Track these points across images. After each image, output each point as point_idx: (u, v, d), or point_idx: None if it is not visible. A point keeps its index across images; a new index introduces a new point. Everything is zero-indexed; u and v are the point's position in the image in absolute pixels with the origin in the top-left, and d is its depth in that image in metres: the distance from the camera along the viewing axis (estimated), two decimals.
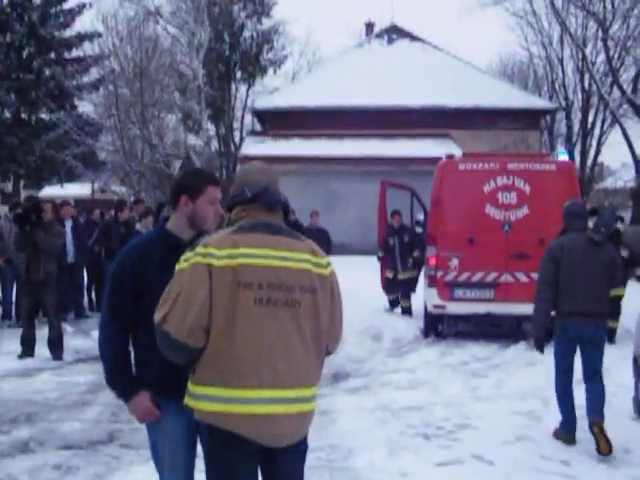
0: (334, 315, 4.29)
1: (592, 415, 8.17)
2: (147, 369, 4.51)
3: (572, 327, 8.31)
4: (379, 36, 44.51)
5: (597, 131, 46.81)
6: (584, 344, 8.36)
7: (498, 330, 15.44)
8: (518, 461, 7.70)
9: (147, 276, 4.43)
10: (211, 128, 42.60)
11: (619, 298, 12.97)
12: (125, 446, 8.15)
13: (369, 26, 49.46)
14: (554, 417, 9.39)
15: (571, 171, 14.33)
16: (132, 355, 4.59)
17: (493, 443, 8.29)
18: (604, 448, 7.84)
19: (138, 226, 16.56)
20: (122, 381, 4.55)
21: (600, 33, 39.37)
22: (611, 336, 13.41)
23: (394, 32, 44.20)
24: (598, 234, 8.37)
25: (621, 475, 7.40)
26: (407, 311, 16.73)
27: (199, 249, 4.02)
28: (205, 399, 3.99)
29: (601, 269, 8.35)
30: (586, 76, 45.33)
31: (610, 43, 38.95)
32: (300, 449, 4.22)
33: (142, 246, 4.63)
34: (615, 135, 52.59)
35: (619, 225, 14.29)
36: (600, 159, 49.65)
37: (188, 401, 4.07)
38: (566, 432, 8.47)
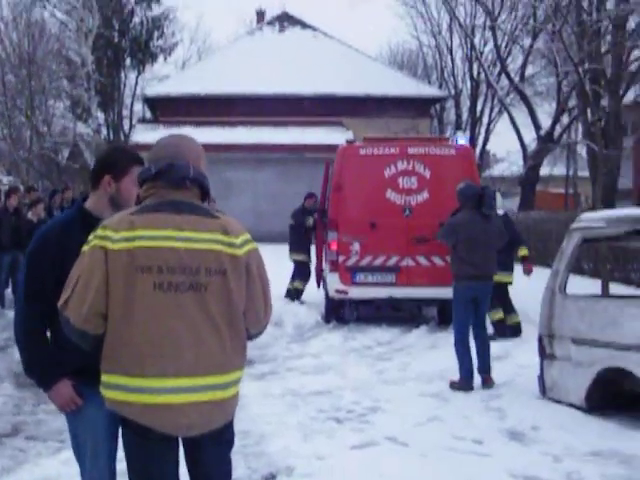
0: (253, 297, 4.05)
1: (485, 373, 10.13)
2: (66, 356, 4.24)
3: (472, 288, 10.11)
4: (270, 24, 44.39)
5: (485, 119, 47.57)
6: (478, 302, 10.20)
7: (399, 314, 15.53)
8: (432, 442, 7.70)
9: (66, 257, 4.16)
10: (100, 116, 41.73)
11: (505, 285, 13.17)
12: (31, 438, 7.85)
13: (260, 14, 49.31)
14: (461, 398, 9.53)
15: (470, 155, 14.49)
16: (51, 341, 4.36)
17: (405, 425, 8.29)
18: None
19: (29, 215, 16.11)
20: (41, 369, 4.30)
21: (488, 22, 40.05)
22: (509, 330, 13.45)
23: (285, 20, 44.13)
24: (488, 209, 10.21)
25: (534, 452, 7.47)
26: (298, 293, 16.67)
27: (98, 231, 3.81)
28: (111, 387, 3.80)
29: (492, 238, 10.28)
30: (475, 64, 46.02)
31: (498, 32, 39.68)
32: (224, 437, 4.03)
33: (61, 226, 4.39)
34: (502, 123, 53.80)
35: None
36: (487, 147, 50.51)
37: (101, 389, 3.87)
38: (467, 381, 9.96)
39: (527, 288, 14.29)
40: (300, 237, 16.65)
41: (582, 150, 58.62)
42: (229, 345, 3.89)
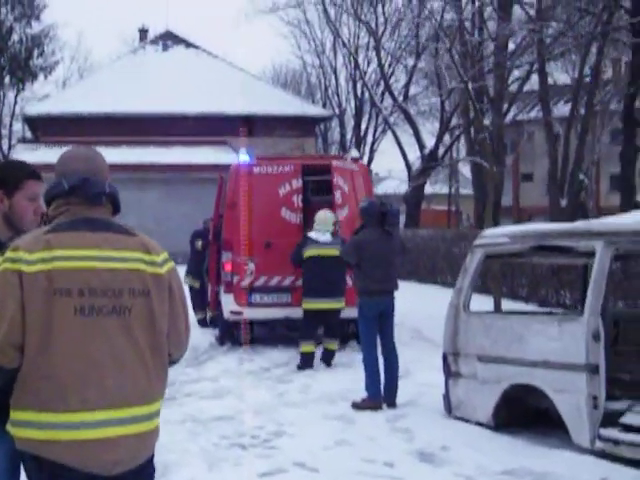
0: (175, 318, 3.78)
1: (390, 397, 10.04)
2: None
3: (377, 304, 10.14)
4: (154, 42, 43.88)
5: (370, 138, 47.97)
6: (383, 317, 10.21)
7: (295, 334, 15.26)
8: (342, 466, 7.49)
9: None
10: None
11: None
12: None
13: (143, 32, 48.66)
14: (367, 419, 9.35)
15: (367, 171, 14.44)
16: None
17: (313, 449, 8.05)
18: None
19: None
20: None
21: (372, 42, 40.39)
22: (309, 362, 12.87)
23: (169, 38, 43.70)
24: (391, 226, 10.31)
25: (446, 473, 7.33)
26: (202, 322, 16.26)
27: (8, 253, 3.45)
28: (25, 425, 3.42)
29: (394, 254, 10.42)
30: (359, 84, 46.42)
31: (382, 52, 40.04)
32: (146, 473, 3.70)
33: None
34: (386, 142, 54.28)
35: None
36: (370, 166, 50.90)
37: (8, 427, 3.51)
38: (375, 400, 9.87)
39: (416, 305, 14.34)
40: (194, 260, 16.30)
41: (464, 168, 59.85)
42: (153, 372, 3.60)
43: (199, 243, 15.97)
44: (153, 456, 3.74)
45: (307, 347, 12.82)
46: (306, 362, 12.70)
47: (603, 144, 48.22)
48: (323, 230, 13.00)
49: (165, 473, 7.27)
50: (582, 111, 35.88)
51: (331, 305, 12.82)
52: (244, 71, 42.37)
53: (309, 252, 12.92)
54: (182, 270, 16.16)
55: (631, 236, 7.67)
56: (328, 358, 12.90)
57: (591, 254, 8.01)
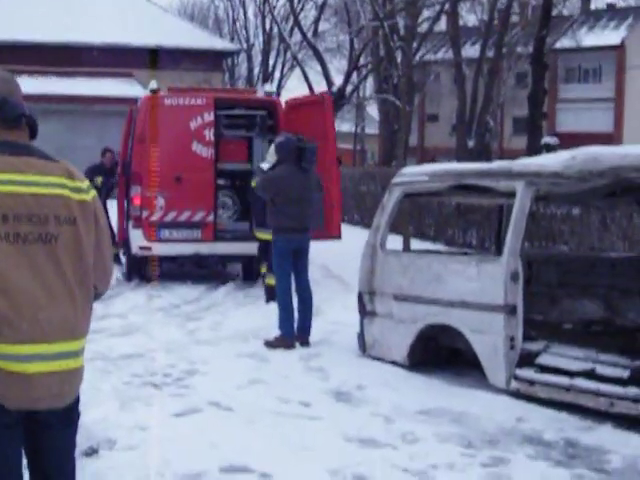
0: (102, 248, 3.55)
1: (304, 335, 9.91)
2: None
3: (293, 241, 9.99)
4: None
5: (278, 74, 47.49)
6: (298, 254, 10.09)
7: (204, 271, 15.07)
8: (257, 405, 7.35)
9: None
10: None
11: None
12: None
13: None
14: (280, 358, 9.23)
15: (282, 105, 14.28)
16: None
17: (227, 388, 7.88)
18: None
19: None
20: None
21: None
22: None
23: None
24: (308, 163, 10.06)
25: (364, 413, 7.24)
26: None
27: None
28: None
29: (311, 192, 10.15)
30: (267, 18, 45.76)
31: None
32: (70, 417, 3.53)
33: None
34: (294, 79, 53.78)
35: None
36: None
37: None
38: (288, 338, 9.73)
39: (324, 243, 14.19)
40: None
41: (368, 107, 59.83)
42: (80, 306, 3.38)
43: (99, 179, 15.23)
44: (79, 400, 3.55)
45: (272, 279, 12.67)
46: (272, 295, 12.42)
47: (508, 87, 48.64)
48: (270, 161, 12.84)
49: None
50: (490, 54, 36.07)
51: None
52: (151, 2, 41.29)
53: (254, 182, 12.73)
54: None
55: (552, 177, 7.64)
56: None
57: (511, 194, 7.97)
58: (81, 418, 6.69)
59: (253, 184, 12.48)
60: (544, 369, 7.53)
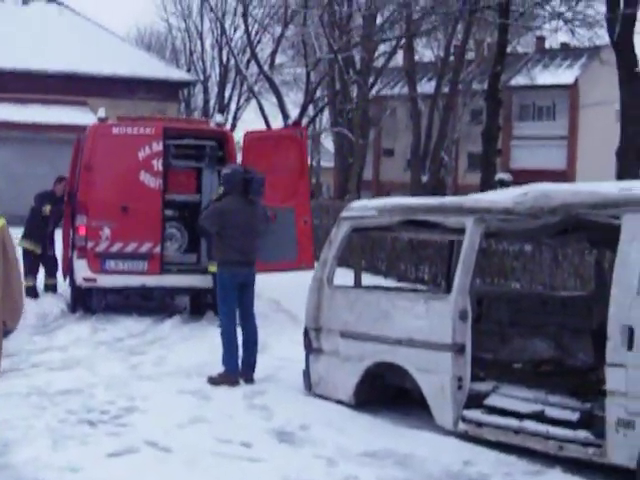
0: (11, 282, 3.32)
1: (248, 372, 9.68)
2: None
3: (237, 275, 9.72)
4: None
5: (234, 106, 47.34)
6: (244, 288, 9.83)
7: (150, 304, 14.75)
8: (196, 446, 7.08)
9: None
10: None
11: None
12: None
13: None
14: (223, 395, 8.98)
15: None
16: None
17: (166, 427, 7.60)
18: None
19: None
20: None
21: (240, 8, 39.73)
22: None
23: None
24: (255, 195, 9.87)
25: (306, 454, 7.01)
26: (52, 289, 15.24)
27: None
28: None
29: (257, 224, 9.94)
30: (224, 50, 45.69)
31: (249, 19, 39.43)
32: None
33: None
34: (250, 111, 53.73)
35: None
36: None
37: None
38: (232, 374, 9.47)
39: (275, 276, 14.00)
40: (37, 223, 14.81)
41: (324, 140, 59.90)
42: None
43: (47, 208, 14.68)
44: None
45: None
46: None
47: (463, 123, 48.93)
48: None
49: (5, 452, 6.75)
50: (446, 89, 36.24)
51: None
52: (107, 31, 41.04)
53: None
54: None
55: (502, 214, 7.50)
56: None
57: (461, 231, 7.81)
58: (10, 458, 6.44)
59: None
60: (492, 410, 7.36)
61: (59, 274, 15.00)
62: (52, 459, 6.55)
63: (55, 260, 15.02)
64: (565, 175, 53.33)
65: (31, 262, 14.59)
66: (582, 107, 58.18)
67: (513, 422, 7.10)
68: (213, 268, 12.43)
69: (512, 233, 9.16)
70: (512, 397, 7.38)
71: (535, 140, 60.18)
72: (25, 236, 14.64)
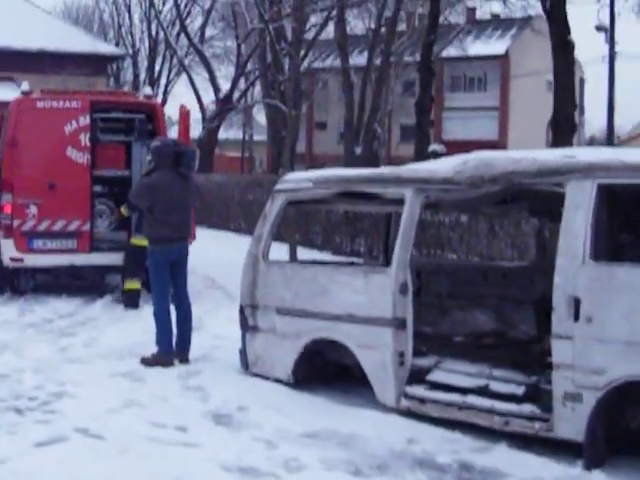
0: None
1: (182, 352, 9.31)
2: None
3: (169, 251, 9.36)
4: None
5: (164, 80, 46.65)
6: (177, 265, 9.46)
7: (80, 283, 14.32)
8: (130, 432, 6.77)
9: None
10: None
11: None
12: None
13: None
14: (157, 377, 8.69)
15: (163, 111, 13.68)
16: None
17: (97, 412, 7.27)
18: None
19: None
20: None
21: None
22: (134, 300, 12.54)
23: None
24: (186, 168, 9.44)
25: (245, 437, 6.75)
26: None
27: None
28: None
29: (190, 199, 9.65)
30: (153, 23, 44.88)
31: None
32: None
33: None
34: (180, 85, 53.10)
35: None
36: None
37: None
38: (166, 355, 9.15)
39: (209, 252, 13.74)
40: None
41: (257, 114, 59.42)
42: None
43: None
44: None
45: (131, 284, 12.46)
46: (131, 300, 12.36)
47: (395, 95, 48.80)
48: None
49: None
50: (378, 61, 36.02)
51: None
52: (33, 5, 40.04)
53: None
54: None
55: (442, 183, 7.28)
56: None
57: (399, 202, 7.57)
58: None
59: None
60: (435, 386, 7.17)
61: None
62: None
63: None
64: (497, 146, 53.58)
65: None
66: (513, 77, 58.58)
67: (457, 398, 6.92)
68: (133, 240, 12.43)
69: (452, 203, 8.96)
70: (455, 372, 7.21)
71: (467, 111, 60.50)
72: None
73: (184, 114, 13.17)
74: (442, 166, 7.45)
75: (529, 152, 7.34)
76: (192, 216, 13.14)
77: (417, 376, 7.27)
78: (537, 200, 8.03)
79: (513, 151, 7.70)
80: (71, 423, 6.97)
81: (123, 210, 12.48)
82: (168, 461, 6.13)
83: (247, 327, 8.63)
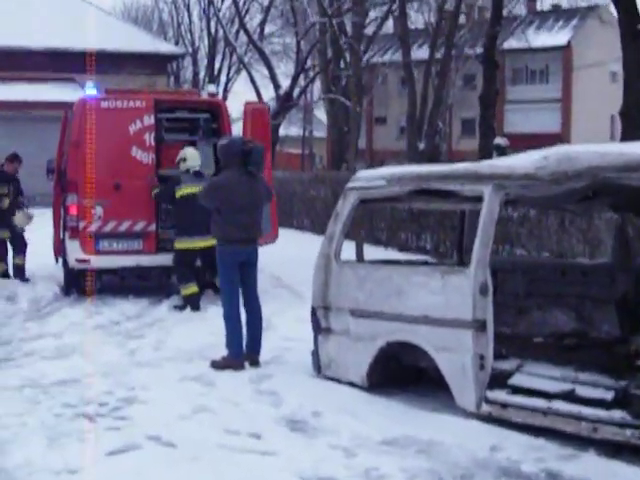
0: None
1: (253, 354, 9.13)
2: None
3: (239, 253, 9.12)
4: None
5: (224, 77, 46.69)
6: (245, 267, 9.23)
7: (147, 284, 14.22)
8: (201, 439, 6.58)
9: None
10: None
11: None
12: None
13: None
14: (228, 381, 8.50)
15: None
16: None
17: (168, 419, 7.10)
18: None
19: None
20: None
21: None
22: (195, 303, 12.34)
23: None
24: (255, 166, 9.15)
25: (321, 445, 6.50)
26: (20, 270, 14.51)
27: None
28: None
29: (259, 198, 9.34)
30: (212, 21, 44.94)
31: None
32: None
33: None
34: (240, 83, 53.12)
35: None
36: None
37: None
38: (237, 358, 8.94)
39: (274, 250, 13.57)
40: None
41: (316, 111, 59.28)
42: None
43: (5, 202, 13.93)
44: None
45: (189, 289, 12.29)
46: (193, 305, 12.19)
47: (456, 88, 48.38)
48: (196, 166, 12.46)
49: None
50: (438, 55, 35.64)
51: (206, 243, 11.91)
52: (93, 5, 40.34)
53: (187, 190, 12.23)
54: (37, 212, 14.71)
55: (522, 180, 6.97)
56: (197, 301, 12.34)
57: (477, 199, 7.29)
58: (3, 462, 5.94)
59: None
60: (518, 390, 6.87)
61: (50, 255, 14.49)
62: (47, 460, 6.04)
63: (23, 239, 14.38)
64: (560, 138, 52.73)
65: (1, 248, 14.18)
66: (575, 69, 57.63)
67: (541, 403, 6.61)
68: (181, 245, 12.37)
69: (532, 200, 8.64)
70: (538, 375, 6.88)
71: (529, 104, 59.68)
72: None
73: (262, 110, 13.09)
74: (522, 162, 7.14)
75: (612, 145, 7.01)
76: (273, 215, 13.21)
77: (498, 380, 6.97)
78: (621, 195, 7.68)
79: (595, 145, 7.32)
80: (142, 430, 6.80)
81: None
82: (242, 469, 5.94)
83: (320, 329, 8.40)
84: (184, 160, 12.40)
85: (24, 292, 13.34)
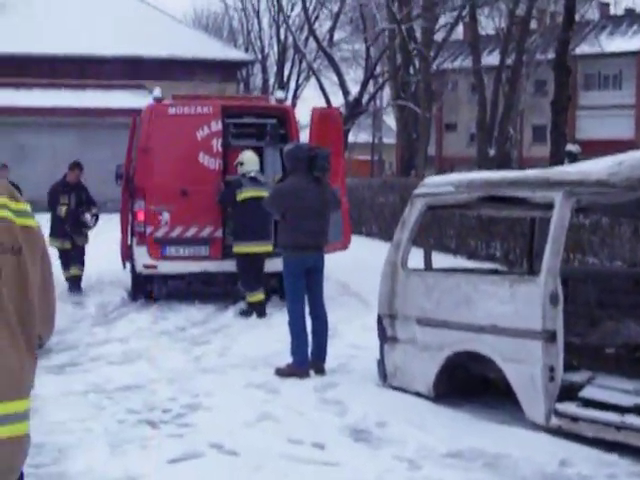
0: (47, 286, 2.81)
1: (318, 362, 9.00)
2: None
3: (305, 259, 9.01)
4: None
5: (293, 84, 46.82)
6: (312, 274, 9.12)
7: (213, 290, 14.22)
8: (265, 448, 6.50)
9: None
10: None
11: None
12: None
13: None
14: (292, 388, 8.41)
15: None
16: None
17: (232, 426, 7.03)
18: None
19: None
20: None
21: None
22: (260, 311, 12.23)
23: None
24: (320, 171, 9.07)
25: (385, 456, 6.38)
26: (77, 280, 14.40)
27: None
28: None
29: (326, 204, 9.19)
30: (282, 28, 45.12)
31: None
32: None
33: None
34: (309, 89, 53.18)
35: None
36: None
37: None
38: (301, 366, 8.83)
39: (341, 257, 13.47)
40: (56, 220, 14.07)
41: (386, 117, 59.10)
42: (24, 355, 2.67)
43: (62, 209, 13.89)
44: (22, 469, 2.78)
45: (255, 297, 12.21)
46: (259, 311, 12.11)
47: (527, 94, 47.82)
48: (255, 170, 12.41)
49: (59, 459, 6.23)
50: (509, 61, 35.27)
51: (263, 248, 12.15)
52: (164, 13, 40.73)
53: (247, 193, 12.19)
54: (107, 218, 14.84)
55: (595, 186, 6.77)
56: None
57: (547, 206, 7.11)
58: (65, 467, 5.91)
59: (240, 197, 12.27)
60: (589, 403, 6.66)
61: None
62: (109, 467, 6.01)
63: (82, 250, 14.35)
64: (634, 144, 51.89)
65: (64, 257, 14.18)
66: None
67: (614, 417, 6.40)
68: (237, 249, 12.34)
69: (605, 208, 8.41)
70: (611, 388, 6.68)
71: (601, 110, 58.81)
72: (51, 235, 13.96)
73: (334, 115, 13.06)
74: (594, 168, 6.94)
75: None
76: (345, 223, 13.15)
77: (568, 392, 6.78)
78: None
79: None
80: (205, 438, 6.75)
81: None
82: (307, 479, 5.85)
83: (385, 337, 8.27)
84: (241, 164, 12.38)
85: (92, 297, 13.44)
